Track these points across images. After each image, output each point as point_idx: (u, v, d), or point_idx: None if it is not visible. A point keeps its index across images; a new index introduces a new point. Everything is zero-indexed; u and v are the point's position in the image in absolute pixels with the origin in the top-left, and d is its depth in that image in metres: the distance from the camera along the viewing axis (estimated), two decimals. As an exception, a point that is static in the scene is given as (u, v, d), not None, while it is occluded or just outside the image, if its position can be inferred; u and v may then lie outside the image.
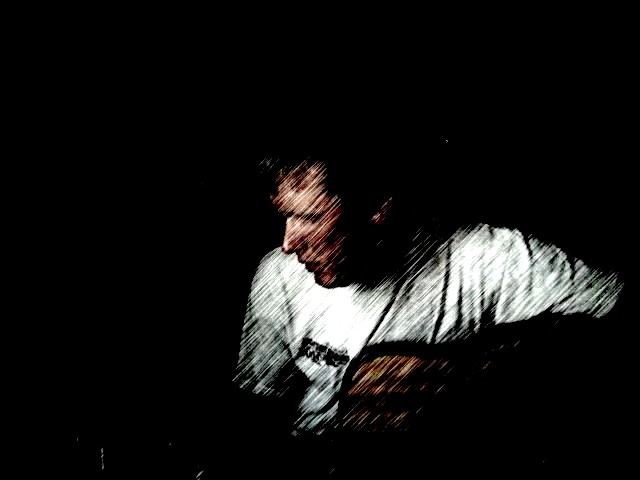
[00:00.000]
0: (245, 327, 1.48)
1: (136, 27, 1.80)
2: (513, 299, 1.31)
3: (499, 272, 1.31)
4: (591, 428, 1.23)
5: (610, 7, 1.77)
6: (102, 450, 1.17)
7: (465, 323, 1.33)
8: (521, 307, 1.30)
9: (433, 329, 1.33)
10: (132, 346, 1.82)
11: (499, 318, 1.32)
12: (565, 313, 1.29)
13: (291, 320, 1.41)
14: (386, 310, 1.34)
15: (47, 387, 1.66)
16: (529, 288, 1.30)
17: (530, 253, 1.31)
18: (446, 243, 1.34)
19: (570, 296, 1.29)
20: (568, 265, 1.30)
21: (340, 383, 1.35)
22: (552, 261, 1.30)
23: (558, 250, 1.32)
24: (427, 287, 1.33)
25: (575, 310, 1.28)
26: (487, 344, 1.27)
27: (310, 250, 1.24)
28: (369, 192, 1.21)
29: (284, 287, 1.41)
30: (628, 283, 1.28)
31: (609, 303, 1.27)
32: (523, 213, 1.77)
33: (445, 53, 1.85)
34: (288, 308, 1.41)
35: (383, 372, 1.26)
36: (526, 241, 1.32)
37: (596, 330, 1.27)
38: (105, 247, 1.85)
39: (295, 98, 1.27)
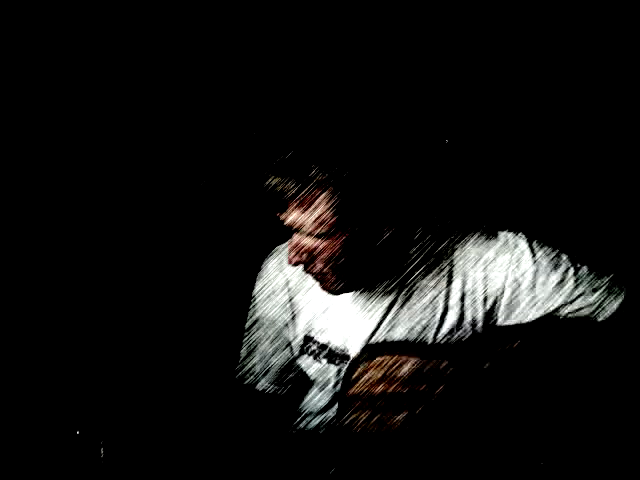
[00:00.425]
0: (247, 325, 1.48)
1: (143, 28, 1.80)
2: (515, 299, 1.30)
3: (502, 272, 1.30)
4: (591, 429, 1.22)
5: (610, 7, 1.75)
6: (102, 443, 1.18)
7: (467, 323, 1.32)
8: (523, 307, 1.30)
9: (435, 329, 1.32)
10: (134, 343, 1.83)
11: (501, 318, 1.31)
12: (567, 314, 1.28)
13: (293, 318, 1.41)
14: (387, 310, 1.33)
15: (49, 381, 1.67)
16: (531, 288, 1.29)
17: (533, 254, 1.30)
18: (448, 243, 1.33)
19: (572, 297, 1.28)
20: (571, 266, 1.29)
21: (340, 383, 1.35)
22: (555, 262, 1.29)
23: (560, 251, 1.31)
24: (429, 287, 1.32)
25: (577, 310, 1.27)
26: (487, 345, 1.27)
27: (316, 263, 1.24)
28: (379, 212, 1.21)
29: (287, 285, 1.41)
30: (631, 285, 1.27)
31: (612, 304, 1.27)
32: (526, 214, 1.76)
33: (448, 61, 1.85)
34: (291, 306, 1.41)
35: (383, 372, 1.26)
36: (529, 242, 1.31)
37: (597, 332, 1.26)
38: (107, 246, 1.85)
39: (307, 116, 1.26)
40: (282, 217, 1.21)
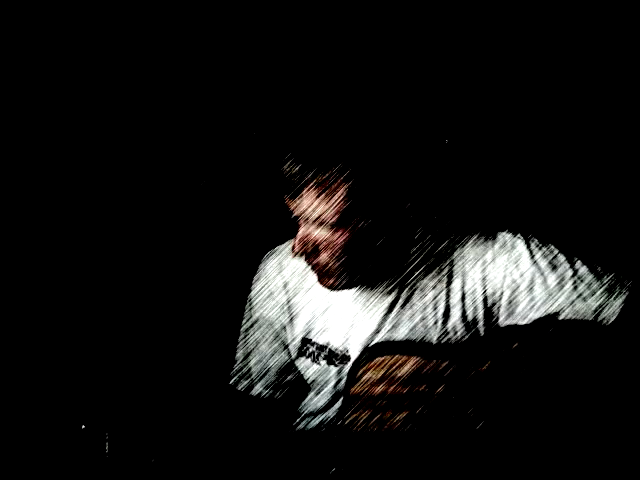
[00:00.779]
0: (244, 327, 1.47)
1: (149, 28, 1.81)
2: (515, 300, 1.30)
3: (500, 273, 1.31)
4: (591, 430, 1.23)
5: (610, 7, 1.78)
6: (107, 437, 1.17)
7: (468, 323, 1.32)
8: (523, 308, 1.30)
9: (435, 329, 1.32)
10: (133, 344, 1.82)
11: (502, 318, 1.32)
12: (567, 314, 1.29)
13: (291, 320, 1.41)
14: (389, 309, 1.33)
15: (53, 377, 1.66)
16: (530, 289, 1.29)
17: (531, 254, 1.31)
18: (448, 243, 1.34)
19: (572, 298, 1.28)
20: (569, 266, 1.30)
21: (341, 383, 1.35)
22: (553, 262, 1.30)
23: (559, 252, 1.32)
24: (429, 287, 1.33)
25: (577, 311, 1.28)
26: (487, 345, 1.27)
27: (321, 254, 1.24)
28: (389, 206, 1.23)
29: (285, 286, 1.41)
30: (631, 286, 1.28)
31: (612, 305, 1.27)
32: (524, 215, 1.77)
33: (450, 63, 1.87)
34: (289, 307, 1.41)
35: (383, 372, 1.26)
36: (527, 243, 1.32)
37: (597, 332, 1.27)
38: (106, 246, 1.84)
39: (327, 105, 1.27)
40: (293, 205, 1.21)
